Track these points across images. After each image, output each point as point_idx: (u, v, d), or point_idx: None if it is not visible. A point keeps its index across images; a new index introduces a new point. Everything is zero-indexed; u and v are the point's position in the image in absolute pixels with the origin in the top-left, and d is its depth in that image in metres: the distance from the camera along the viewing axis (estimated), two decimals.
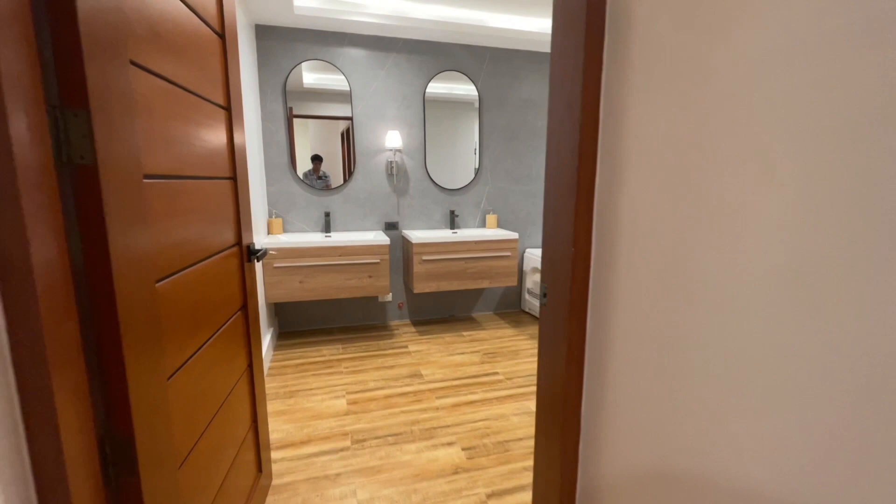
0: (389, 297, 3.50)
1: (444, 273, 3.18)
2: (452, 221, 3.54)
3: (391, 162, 3.37)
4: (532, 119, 3.65)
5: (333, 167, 3.29)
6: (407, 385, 2.50)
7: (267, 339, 2.85)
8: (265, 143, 3.12)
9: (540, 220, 3.82)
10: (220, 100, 1.30)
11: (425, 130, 3.41)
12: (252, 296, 1.50)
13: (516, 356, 2.90)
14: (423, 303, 3.66)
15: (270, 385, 2.50)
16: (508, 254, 3.29)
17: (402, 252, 3.50)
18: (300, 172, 3.21)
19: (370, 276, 3.02)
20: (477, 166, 3.57)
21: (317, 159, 3.26)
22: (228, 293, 1.31)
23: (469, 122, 3.52)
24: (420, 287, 3.15)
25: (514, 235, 3.29)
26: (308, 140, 3.22)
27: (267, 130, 3.10)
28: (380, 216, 3.43)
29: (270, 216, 3.20)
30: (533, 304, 3.72)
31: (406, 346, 3.07)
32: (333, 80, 3.19)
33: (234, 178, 1.38)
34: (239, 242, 1.41)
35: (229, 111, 1.35)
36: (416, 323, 3.57)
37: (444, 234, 3.37)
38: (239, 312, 1.40)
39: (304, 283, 2.90)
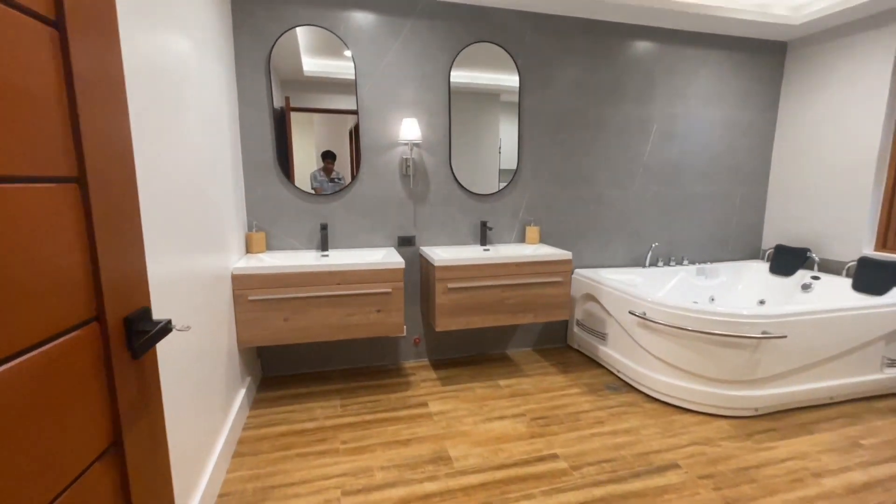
0: (403, 332, 2.74)
1: (475, 305, 2.41)
2: (484, 236, 2.77)
3: (406, 159, 2.62)
4: (584, 106, 2.88)
5: (340, 169, 2.55)
6: (430, 478, 1.74)
7: (240, 396, 2.11)
8: (243, 134, 2.39)
9: (594, 232, 3.04)
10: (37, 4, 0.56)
11: (450, 119, 2.66)
12: (137, 423, 0.75)
13: (576, 423, 2.12)
14: (446, 338, 2.90)
15: (236, 474, 1.76)
16: (559, 279, 2.52)
17: (421, 275, 2.74)
18: (298, 174, 2.48)
19: (379, 311, 2.27)
20: (515, 166, 2.81)
21: (329, 157, 2.53)
22: (52, 444, 0.56)
23: (502, 112, 2.75)
24: (444, 324, 2.39)
25: (567, 255, 2.51)
26: (313, 137, 2.49)
27: (245, 118, 2.38)
28: (391, 229, 2.68)
29: (250, 229, 2.47)
30: (584, 338, 2.93)
31: (426, 404, 2.30)
32: (339, 67, 2.46)
33: (80, 181, 0.64)
34: (99, 315, 0.66)
35: (63, 32, 0.61)
36: (436, 364, 2.81)
37: (474, 253, 2.60)
38: (96, 464, 0.66)
39: (291, 320, 2.16)
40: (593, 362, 2.83)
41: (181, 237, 1.44)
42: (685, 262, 3.22)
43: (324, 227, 2.48)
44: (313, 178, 2.51)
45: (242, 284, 2.07)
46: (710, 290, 3.20)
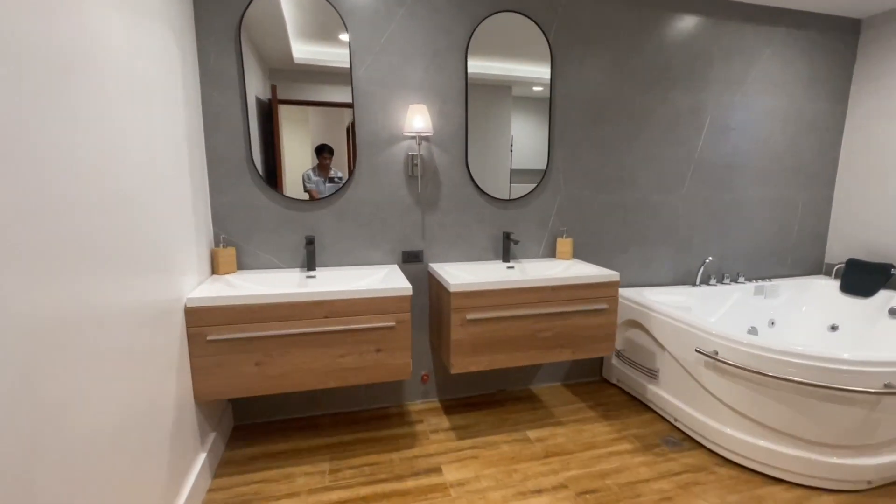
0: (409, 376, 2.24)
1: (500, 340, 1.92)
2: (507, 250, 2.28)
3: (413, 156, 2.13)
4: (627, 92, 2.38)
5: (338, 168, 2.05)
6: None
7: (198, 465, 1.61)
8: (207, 124, 1.89)
9: (636, 244, 2.54)
10: None
11: (467, 106, 2.16)
12: None
13: (637, 500, 1.62)
14: (460, 373, 2.41)
15: None
16: (604, 305, 2.02)
17: (430, 298, 2.24)
18: (290, 177, 1.98)
19: (379, 351, 1.77)
20: (538, 165, 2.31)
21: (325, 151, 2.04)
22: None
23: (514, 108, 2.25)
24: (461, 364, 1.89)
25: (613, 275, 2.02)
26: (308, 135, 2.00)
27: (211, 105, 1.88)
28: (394, 241, 2.19)
29: (217, 245, 1.97)
30: (626, 373, 2.44)
31: (439, 470, 1.80)
32: (335, 55, 1.99)
33: None
34: None
35: None
36: (449, 407, 2.31)
37: (497, 273, 2.12)
38: None
39: (265, 365, 1.66)
40: (638, 403, 2.33)
41: (84, 260, 0.94)
42: (741, 278, 2.72)
43: (310, 242, 1.98)
44: (306, 178, 2.02)
45: (199, 320, 1.57)
46: (770, 312, 2.70)
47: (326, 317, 1.68)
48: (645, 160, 2.48)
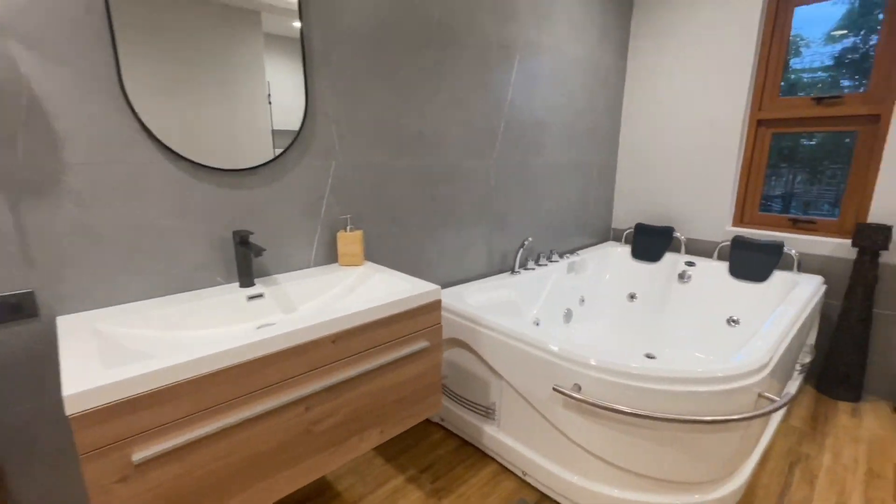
0: None
1: (235, 468, 0.91)
2: (246, 266, 1.22)
3: None
4: (425, 3, 1.56)
5: None
6: None
7: None
8: None
9: (446, 229, 1.84)
10: None
11: None
12: None
13: None
14: None
15: None
16: (423, 344, 1.22)
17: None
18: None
19: None
20: (303, 108, 1.31)
21: None
22: None
23: (267, 49, 1.20)
24: None
25: (430, 290, 1.23)
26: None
27: None
28: None
29: None
30: (451, 410, 1.76)
31: None
32: None
33: None
34: None
35: None
36: None
37: (217, 319, 1.08)
38: None
39: None
40: (473, 449, 1.70)
41: None
42: (554, 256, 2.37)
43: None
44: None
45: None
46: (580, 290, 2.46)
47: None
48: (452, 107, 1.75)
